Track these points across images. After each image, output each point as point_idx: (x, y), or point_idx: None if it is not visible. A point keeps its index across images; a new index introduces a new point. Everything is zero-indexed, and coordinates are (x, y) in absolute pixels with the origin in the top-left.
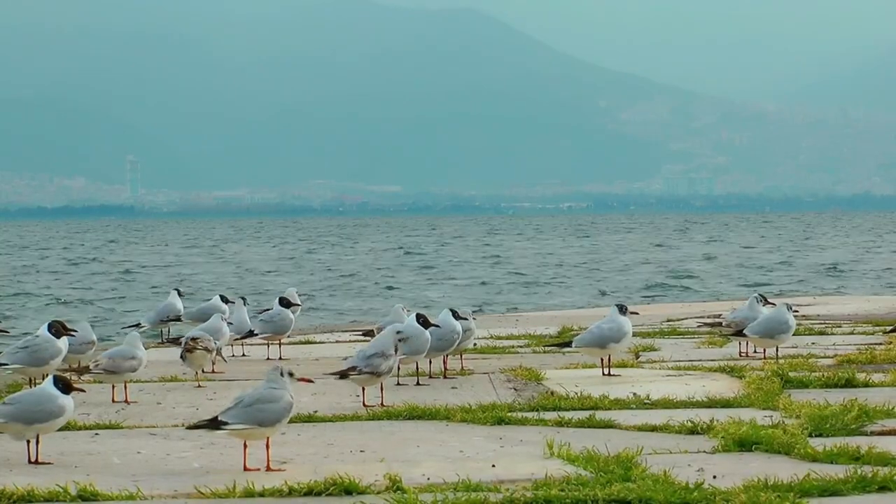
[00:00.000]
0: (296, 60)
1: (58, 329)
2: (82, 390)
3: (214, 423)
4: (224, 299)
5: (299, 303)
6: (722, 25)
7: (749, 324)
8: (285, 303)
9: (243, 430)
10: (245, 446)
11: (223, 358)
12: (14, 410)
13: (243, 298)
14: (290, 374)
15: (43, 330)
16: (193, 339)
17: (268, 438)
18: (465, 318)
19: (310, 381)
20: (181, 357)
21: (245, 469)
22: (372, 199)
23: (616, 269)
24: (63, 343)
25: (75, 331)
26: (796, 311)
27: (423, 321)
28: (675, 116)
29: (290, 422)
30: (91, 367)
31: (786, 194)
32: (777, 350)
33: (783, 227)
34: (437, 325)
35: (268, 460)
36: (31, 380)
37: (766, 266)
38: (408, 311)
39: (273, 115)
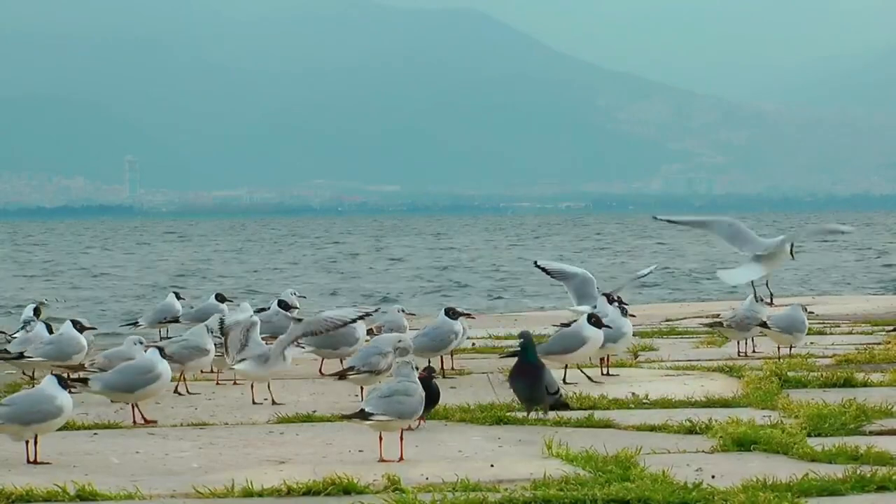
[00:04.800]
0: (294, 60)
1: (81, 326)
2: (74, 388)
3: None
4: (221, 298)
5: (297, 305)
6: (721, 25)
7: (749, 323)
8: (283, 304)
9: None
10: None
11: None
12: (10, 412)
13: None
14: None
15: (67, 326)
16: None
17: None
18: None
19: None
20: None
21: None
22: (371, 198)
23: None
24: (84, 339)
25: (94, 327)
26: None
27: (453, 313)
28: (673, 116)
29: (289, 421)
30: (86, 367)
31: (785, 194)
32: (788, 348)
33: None
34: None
35: None
36: (30, 379)
37: None
38: (403, 312)
39: (272, 115)
